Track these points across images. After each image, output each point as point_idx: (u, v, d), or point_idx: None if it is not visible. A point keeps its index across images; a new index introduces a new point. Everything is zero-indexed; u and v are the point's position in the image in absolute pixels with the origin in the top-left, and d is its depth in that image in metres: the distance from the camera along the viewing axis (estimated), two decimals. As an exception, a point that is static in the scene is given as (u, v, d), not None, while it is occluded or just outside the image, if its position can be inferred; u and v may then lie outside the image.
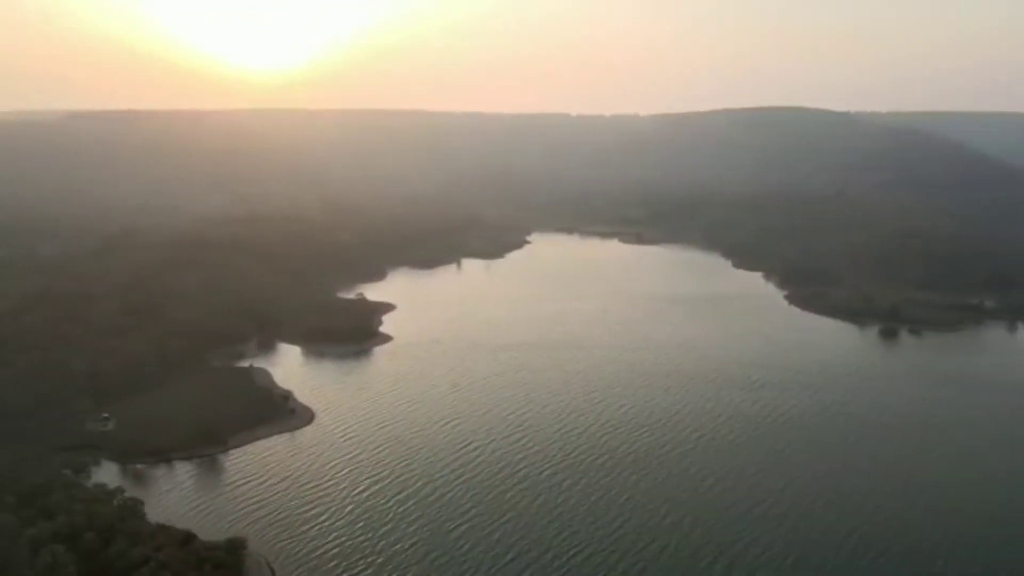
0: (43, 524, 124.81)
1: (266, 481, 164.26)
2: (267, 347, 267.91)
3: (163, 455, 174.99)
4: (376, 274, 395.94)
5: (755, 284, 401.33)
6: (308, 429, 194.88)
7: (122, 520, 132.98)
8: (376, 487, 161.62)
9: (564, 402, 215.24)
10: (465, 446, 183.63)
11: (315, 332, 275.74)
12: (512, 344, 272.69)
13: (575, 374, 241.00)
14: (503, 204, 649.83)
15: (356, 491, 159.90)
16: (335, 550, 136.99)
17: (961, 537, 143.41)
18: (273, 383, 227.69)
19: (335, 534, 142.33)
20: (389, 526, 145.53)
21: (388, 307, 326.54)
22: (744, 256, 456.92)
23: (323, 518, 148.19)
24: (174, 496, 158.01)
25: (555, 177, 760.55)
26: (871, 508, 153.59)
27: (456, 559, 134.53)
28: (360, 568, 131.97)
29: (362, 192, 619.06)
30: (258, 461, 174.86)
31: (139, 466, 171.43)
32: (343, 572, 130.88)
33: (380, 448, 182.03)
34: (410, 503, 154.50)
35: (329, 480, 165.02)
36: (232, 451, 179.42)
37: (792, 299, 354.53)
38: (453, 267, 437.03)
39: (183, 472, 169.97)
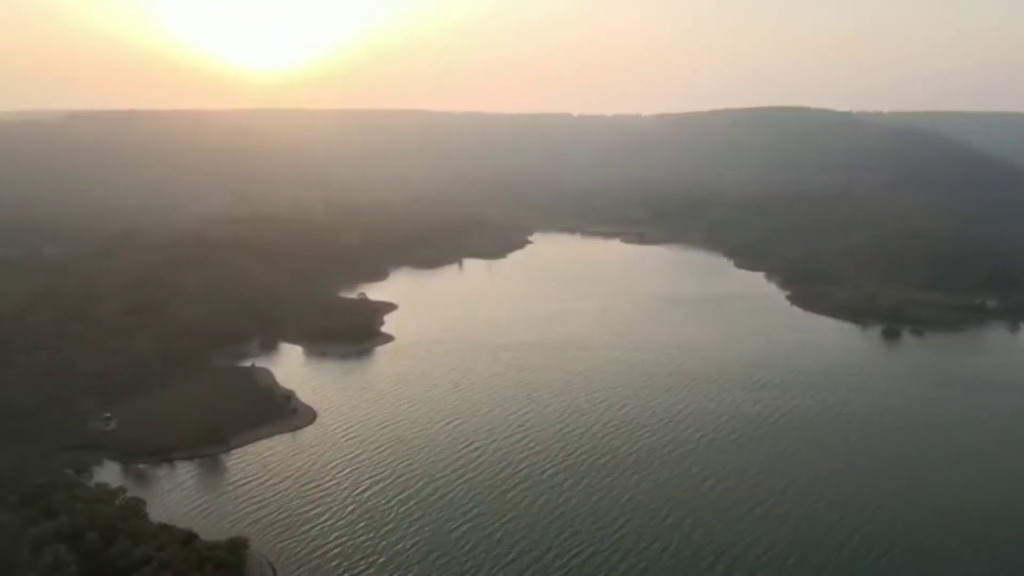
0: (45, 523, 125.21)
1: (268, 481, 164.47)
2: (269, 347, 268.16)
3: (165, 455, 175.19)
4: (378, 274, 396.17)
5: (757, 284, 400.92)
6: (310, 429, 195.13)
7: (124, 520, 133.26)
8: (378, 487, 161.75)
9: (566, 402, 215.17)
10: (467, 446, 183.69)
11: (317, 332, 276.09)
12: (514, 344, 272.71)
13: (577, 374, 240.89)
14: (505, 204, 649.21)
15: (358, 491, 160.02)
16: (336, 550, 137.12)
17: (964, 538, 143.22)
18: (275, 383, 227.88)
19: (336, 534, 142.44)
20: (391, 526, 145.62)
21: (390, 307, 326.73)
22: (746, 256, 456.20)
23: (325, 518, 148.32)
24: (176, 496, 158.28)
25: (557, 177, 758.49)
26: (873, 508, 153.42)
27: (457, 559, 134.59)
28: (361, 568, 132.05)
29: (364, 192, 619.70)
30: (260, 461, 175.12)
31: (141, 466, 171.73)
32: (344, 572, 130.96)
33: (382, 448, 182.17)
34: (412, 503, 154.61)
35: (331, 480, 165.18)
36: (234, 451, 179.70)
37: (794, 299, 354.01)
38: (455, 267, 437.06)
39: (185, 472, 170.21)
